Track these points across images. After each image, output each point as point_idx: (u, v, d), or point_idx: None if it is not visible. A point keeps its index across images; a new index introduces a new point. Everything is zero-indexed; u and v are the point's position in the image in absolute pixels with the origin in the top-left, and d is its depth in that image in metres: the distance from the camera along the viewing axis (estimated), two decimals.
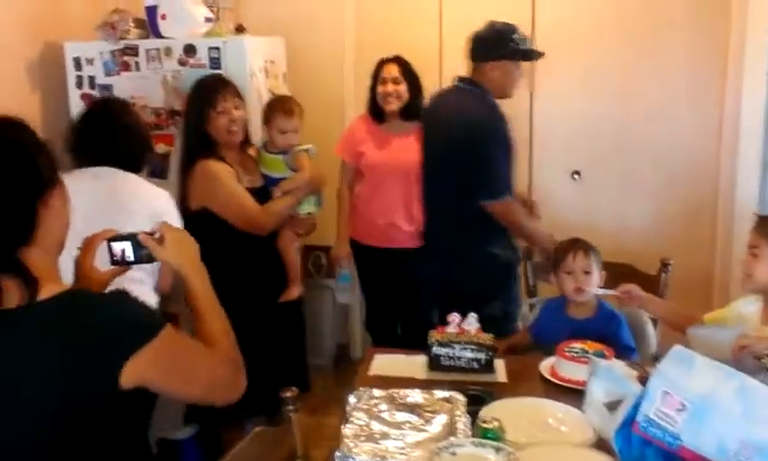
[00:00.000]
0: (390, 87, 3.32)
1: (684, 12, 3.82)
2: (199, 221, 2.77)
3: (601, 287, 2.55)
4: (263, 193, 2.98)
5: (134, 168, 2.63)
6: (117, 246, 1.57)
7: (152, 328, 1.35)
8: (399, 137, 3.34)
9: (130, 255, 1.56)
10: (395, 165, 3.31)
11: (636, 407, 1.62)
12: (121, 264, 1.58)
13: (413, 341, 3.45)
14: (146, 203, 2.52)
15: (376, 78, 3.37)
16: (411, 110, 3.33)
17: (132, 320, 1.36)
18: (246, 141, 3.05)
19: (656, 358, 2.48)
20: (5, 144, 1.34)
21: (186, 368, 1.41)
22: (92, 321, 1.31)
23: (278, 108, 3.02)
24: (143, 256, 1.56)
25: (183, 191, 2.92)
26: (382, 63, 3.39)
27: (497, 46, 3.00)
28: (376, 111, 3.39)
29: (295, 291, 3.05)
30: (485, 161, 2.89)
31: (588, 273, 2.56)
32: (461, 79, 3.07)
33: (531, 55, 3.11)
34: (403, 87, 3.33)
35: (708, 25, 3.78)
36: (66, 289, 1.36)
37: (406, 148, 3.28)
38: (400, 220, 3.35)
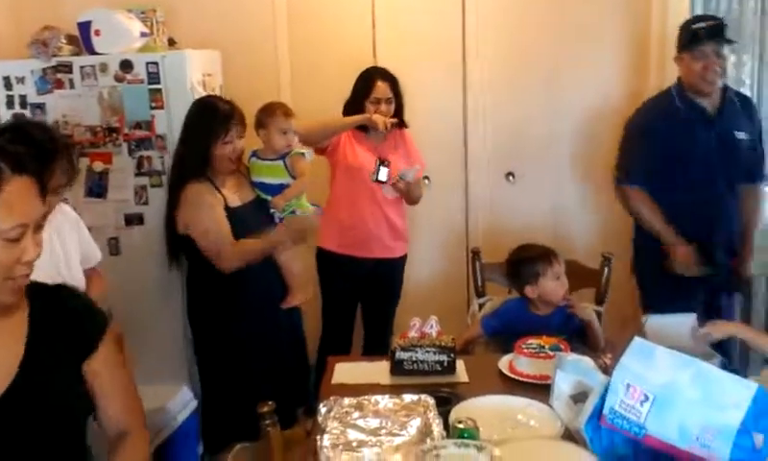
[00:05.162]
0: (383, 108, 3.31)
1: (608, 11, 4.01)
2: (187, 242, 2.84)
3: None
4: (258, 205, 2.96)
5: None
6: None
7: None
8: (383, 145, 3.38)
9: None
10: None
11: (603, 398, 1.71)
12: None
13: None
14: None
15: (366, 93, 3.34)
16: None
17: None
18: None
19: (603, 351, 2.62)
20: None
21: None
22: None
23: (277, 108, 3.01)
24: None
25: (171, 212, 2.87)
26: (373, 79, 3.35)
27: (678, 40, 3.09)
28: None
29: (295, 297, 3.00)
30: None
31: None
32: None
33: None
34: (393, 106, 3.36)
35: (632, 20, 3.98)
36: None
37: (390, 152, 3.35)
38: (384, 229, 3.42)
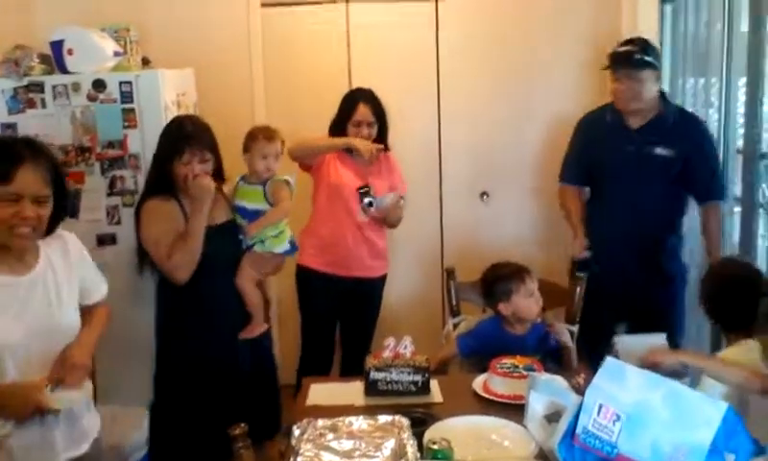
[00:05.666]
0: (365, 132, 3.34)
1: (580, 27, 4.08)
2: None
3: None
4: (229, 229, 2.89)
5: None
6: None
7: None
8: (369, 169, 3.40)
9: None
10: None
11: (576, 417, 1.72)
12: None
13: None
14: None
15: (349, 115, 3.36)
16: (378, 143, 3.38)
17: None
18: (218, 177, 2.90)
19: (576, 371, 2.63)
20: None
21: None
22: None
23: (259, 132, 2.97)
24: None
25: (136, 229, 2.84)
26: (356, 102, 3.37)
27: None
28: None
29: (255, 328, 2.93)
30: None
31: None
32: None
33: (613, 63, 3.18)
34: (375, 129, 3.38)
35: (603, 37, 4.03)
36: None
37: (373, 175, 3.37)
38: (363, 249, 3.42)
